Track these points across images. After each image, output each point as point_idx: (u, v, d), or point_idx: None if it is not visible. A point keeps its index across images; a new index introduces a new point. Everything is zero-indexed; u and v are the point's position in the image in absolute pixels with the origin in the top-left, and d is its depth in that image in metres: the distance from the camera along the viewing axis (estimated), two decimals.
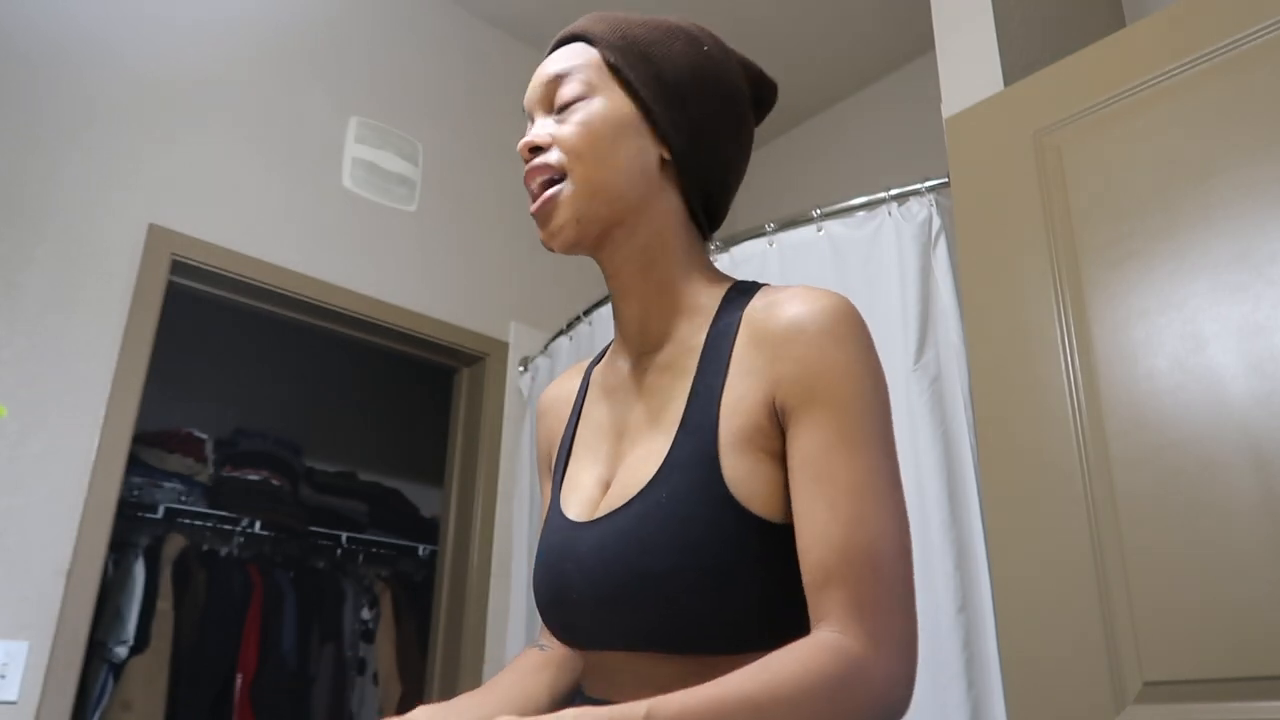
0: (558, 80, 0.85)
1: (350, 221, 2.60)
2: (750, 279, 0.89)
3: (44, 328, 2.03)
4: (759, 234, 2.04)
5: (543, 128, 0.84)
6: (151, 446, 3.21)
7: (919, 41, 2.95)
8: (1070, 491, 1.38)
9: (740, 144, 0.90)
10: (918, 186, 1.83)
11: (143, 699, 2.75)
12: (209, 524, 3.22)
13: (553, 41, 0.90)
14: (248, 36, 2.54)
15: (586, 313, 2.49)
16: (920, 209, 1.82)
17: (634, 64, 0.84)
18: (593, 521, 0.79)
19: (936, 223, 1.79)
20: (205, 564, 3.09)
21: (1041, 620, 1.37)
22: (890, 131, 3.13)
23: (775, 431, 0.74)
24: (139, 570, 2.90)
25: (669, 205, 0.86)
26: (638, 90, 0.83)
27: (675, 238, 0.86)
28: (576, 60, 0.85)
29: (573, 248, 0.83)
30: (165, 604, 2.91)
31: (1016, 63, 1.75)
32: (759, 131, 1.01)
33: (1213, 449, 1.25)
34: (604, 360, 0.94)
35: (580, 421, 0.92)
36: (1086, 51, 1.54)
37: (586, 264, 3.06)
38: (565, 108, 0.83)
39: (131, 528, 3.00)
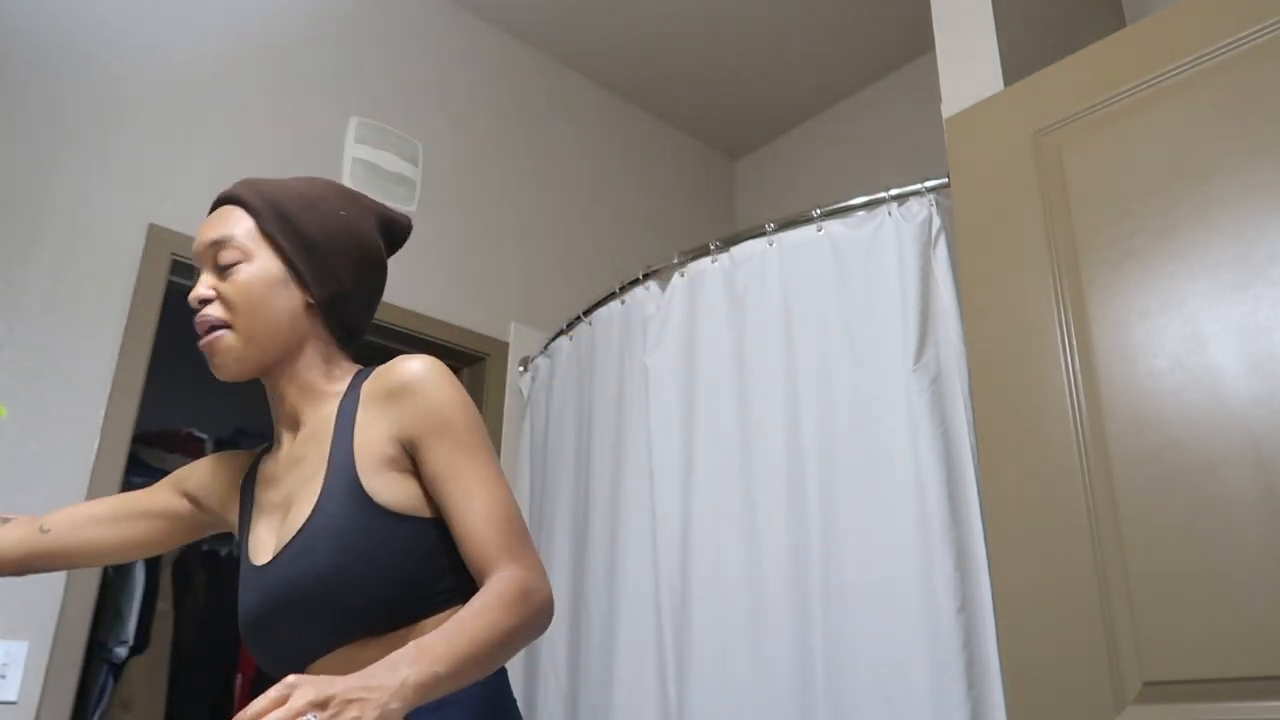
0: (219, 245, 1.05)
1: None
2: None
3: (44, 328, 2.03)
4: (759, 234, 2.04)
5: (206, 283, 1.05)
6: (151, 446, 3.21)
7: (919, 41, 2.95)
8: (1070, 491, 1.38)
9: (375, 279, 1.15)
10: (918, 186, 1.83)
11: (143, 699, 2.75)
12: None
13: (216, 199, 1.11)
14: (248, 37, 2.54)
15: (586, 313, 2.49)
16: (920, 209, 1.81)
17: (282, 229, 1.06)
18: (273, 559, 1.01)
19: (936, 223, 1.79)
20: (205, 564, 3.09)
21: (1042, 620, 1.37)
22: (890, 131, 3.13)
23: (403, 456, 1.01)
24: (139, 570, 2.90)
25: (314, 334, 1.10)
26: (285, 252, 1.06)
27: (318, 355, 1.10)
28: (235, 229, 1.06)
29: (236, 378, 1.07)
30: (165, 604, 2.91)
31: (1016, 63, 1.75)
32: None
33: (1213, 449, 1.25)
34: (268, 454, 1.16)
35: (254, 506, 1.12)
36: (1086, 51, 1.54)
37: (586, 264, 3.07)
38: (227, 268, 1.05)
39: None
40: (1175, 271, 1.34)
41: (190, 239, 2.27)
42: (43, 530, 1.16)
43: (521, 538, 0.98)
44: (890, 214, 1.84)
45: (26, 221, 2.07)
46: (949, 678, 1.50)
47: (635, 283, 2.31)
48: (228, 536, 3.23)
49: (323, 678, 0.78)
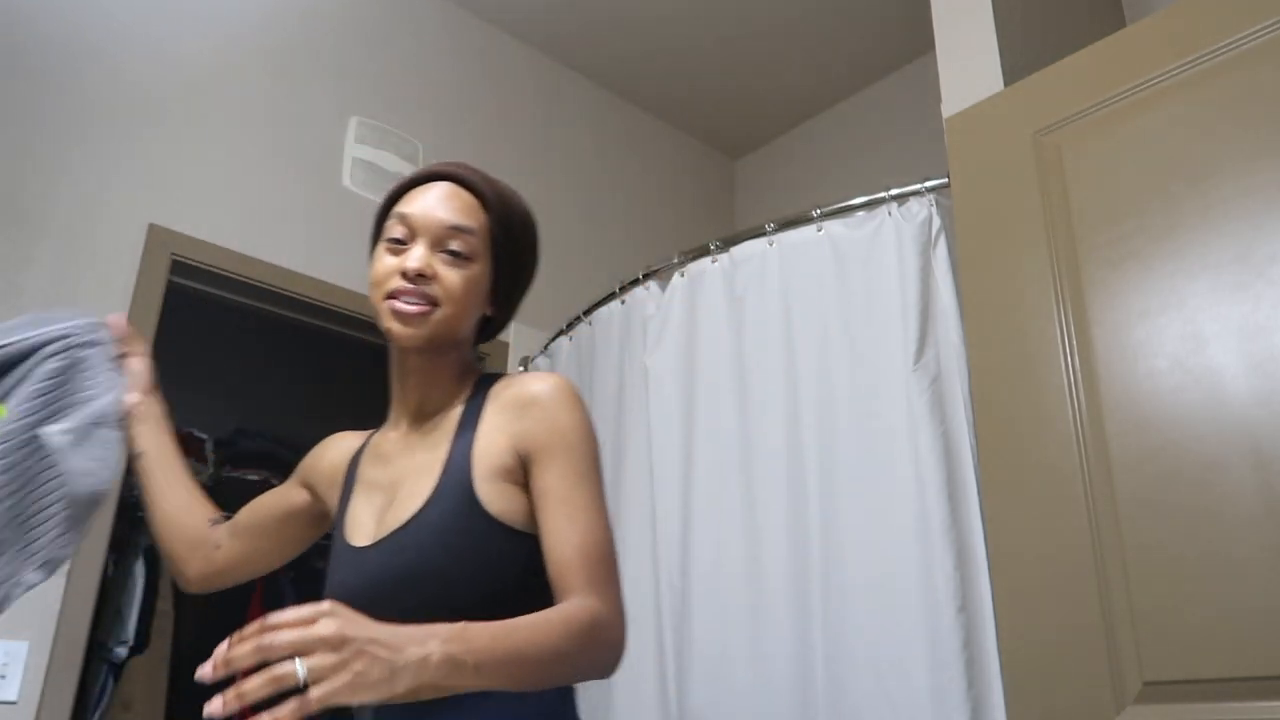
0: (457, 232, 1.07)
1: (350, 221, 2.59)
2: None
3: None
4: (759, 234, 2.04)
5: (424, 258, 1.05)
6: None
7: (919, 41, 2.95)
8: (1070, 491, 1.38)
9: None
10: (918, 186, 1.83)
11: (143, 699, 2.75)
12: None
13: (438, 171, 1.12)
14: (248, 37, 2.54)
15: (586, 313, 2.49)
16: (920, 209, 1.81)
17: (507, 248, 1.11)
18: (375, 545, 1.02)
19: (936, 223, 1.79)
20: None
21: (1041, 620, 1.37)
22: (890, 131, 3.13)
23: (519, 468, 1.02)
24: (139, 570, 2.90)
25: (471, 338, 1.14)
26: (501, 272, 1.12)
27: (463, 355, 1.14)
28: (473, 222, 1.09)
29: (416, 347, 1.07)
30: (165, 604, 2.91)
31: (1016, 63, 1.75)
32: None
33: (1213, 449, 1.25)
34: (379, 433, 1.18)
35: (357, 479, 1.14)
36: (1086, 51, 1.54)
37: (586, 265, 3.07)
38: (454, 255, 1.07)
39: (131, 528, 2.99)
40: (1175, 271, 1.34)
41: (190, 239, 2.27)
42: (215, 548, 1.26)
43: (609, 574, 0.97)
44: (890, 214, 1.84)
45: (27, 222, 2.07)
46: (949, 677, 1.50)
47: (635, 283, 2.31)
48: None
49: (360, 619, 0.78)
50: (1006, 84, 1.70)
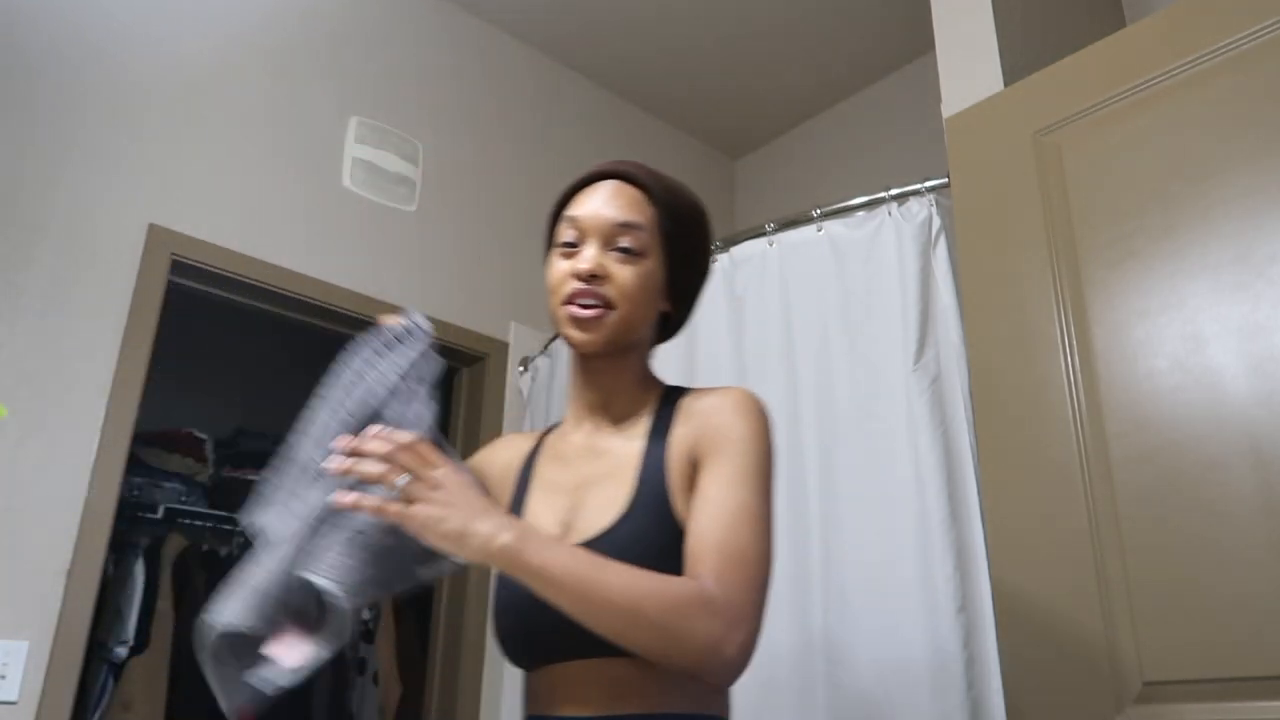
0: (627, 229, 1.06)
1: (350, 221, 2.60)
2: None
3: (44, 328, 2.03)
4: (759, 234, 2.04)
5: (595, 259, 1.05)
6: (151, 446, 3.21)
7: (919, 41, 2.95)
8: (1070, 491, 1.38)
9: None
10: (918, 186, 1.83)
11: (143, 699, 2.75)
12: (209, 524, 3.22)
13: (604, 170, 1.11)
14: (248, 36, 2.54)
15: None
16: (920, 209, 1.81)
17: (678, 240, 1.09)
18: None
19: (936, 223, 1.79)
20: (205, 564, 3.09)
21: (1041, 620, 1.37)
22: (890, 131, 3.13)
23: (693, 474, 1.00)
24: (139, 570, 2.90)
25: (650, 338, 1.13)
26: (674, 266, 1.09)
27: (645, 358, 1.13)
28: (641, 217, 1.07)
29: (593, 352, 1.06)
30: (165, 604, 2.91)
31: (1016, 63, 1.75)
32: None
33: (1213, 449, 1.25)
34: (555, 433, 1.17)
35: (533, 478, 1.13)
36: (1086, 51, 1.54)
37: None
38: (625, 252, 1.05)
39: (131, 528, 2.99)
40: (1175, 271, 1.34)
41: (190, 239, 2.27)
42: None
43: (743, 577, 0.91)
44: (890, 214, 1.84)
45: (27, 222, 2.07)
46: (949, 678, 1.50)
47: None
48: (226, 536, 3.24)
49: (469, 486, 0.88)
50: (1006, 84, 1.70)
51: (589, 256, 1.05)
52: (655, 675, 0.93)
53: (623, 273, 1.05)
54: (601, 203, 1.08)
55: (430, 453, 0.90)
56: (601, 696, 0.94)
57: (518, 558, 0.85)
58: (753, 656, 0.91)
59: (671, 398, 1.09)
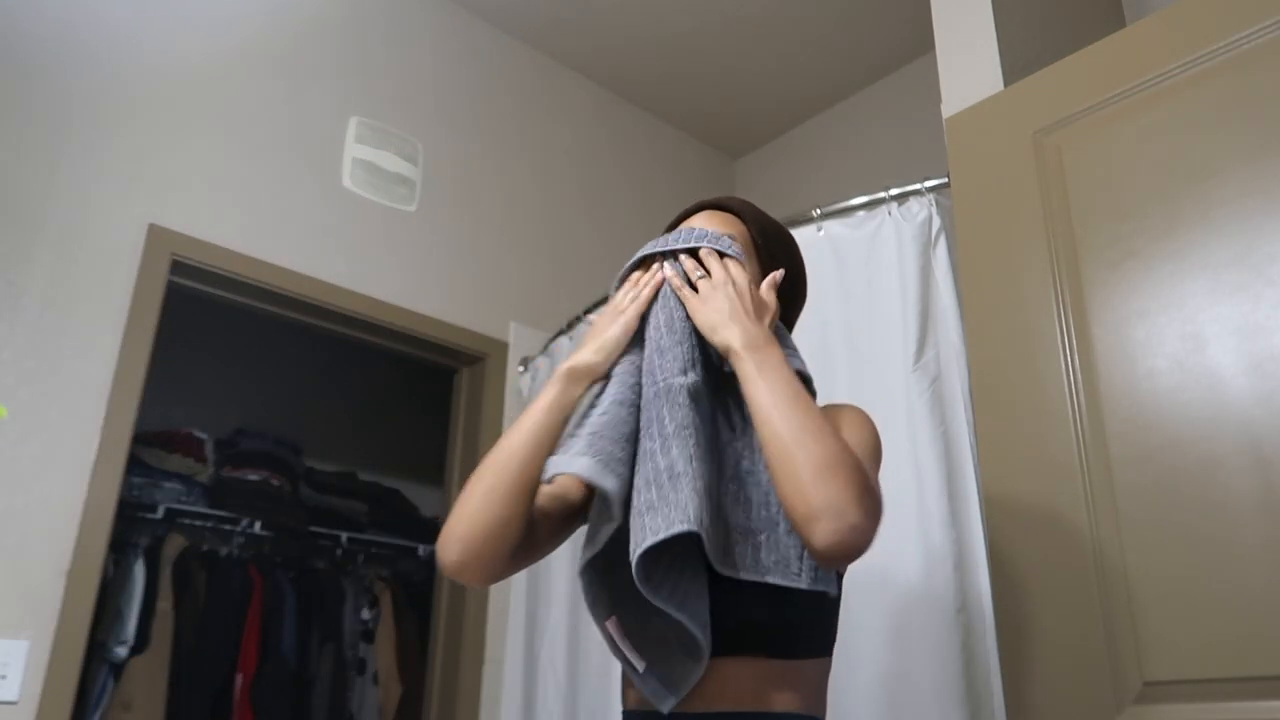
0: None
1: (350, 221, 2.60)
2: None
3: (44, 328, 2.03)
4: None
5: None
6: (151, 446, 3.21)
7: (919, 41, 2.95)
8: (1070, 491, 1.38)
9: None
10: (918, 186, 1.83)
11: (143, 699, 2.75)
12: (209, 524, 3.22)
13: (704, 202, 1.27)
14: (248, 36, 2.54)
15: (587, 312, 2.49)
16: (920, 209, 1.81)
17: (769, 249, 1.22)
18: None
19: (936, 223, 1.79)
20: (205, 564, 3.09)
21: (1041, 621, 1.37)
22: (890, 131, 3.13)
23: None
24: (139, 570, 2.90)
25: None
26: (763, 269, 1.20)
27: None
28: (733, 230, 1.19)
29: None
30: (165, 604, 2.91)
31: (1016, 63, 1.75)
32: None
33: (1213, 448, 1.25)
34: None
35: None
36: (1086, 51, 1.54)
37: (586, 264, 3.07)
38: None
39: (131, 528, 2.99)
40: (1175, 271, 1.34)
41: (190, 239, 2.27)
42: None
43: (871, 483, 0.94)
44: (890, 214, 1.84)
45: (26, 221, 2.07)
46: (949, 677, 1.50)
47: None
48: (227, 536, 3.24)
49: (748, 295, 1.06)
50: (1006, 84, 1.70)
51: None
52: (771, 675, 0.98)
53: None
54: (697, 225, 1.20)
55: (735, 267, 1.07)
56: (718, 694, 0.98)
57: (752, 358, 0.98)
58: (865, 549, 0.93)
59: None
